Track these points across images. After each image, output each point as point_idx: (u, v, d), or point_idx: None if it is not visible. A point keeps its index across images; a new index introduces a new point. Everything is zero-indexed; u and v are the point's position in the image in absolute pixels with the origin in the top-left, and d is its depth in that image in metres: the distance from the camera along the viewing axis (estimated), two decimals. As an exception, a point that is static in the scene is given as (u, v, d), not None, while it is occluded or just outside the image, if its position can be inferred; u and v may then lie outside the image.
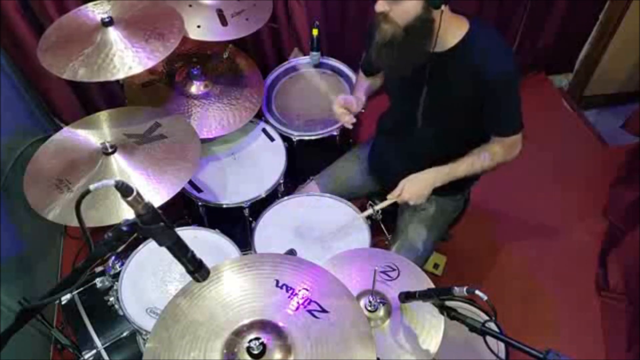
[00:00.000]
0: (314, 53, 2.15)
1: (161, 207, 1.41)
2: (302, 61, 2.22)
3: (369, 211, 1.65)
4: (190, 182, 1.84)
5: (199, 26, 1.82)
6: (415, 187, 1.58)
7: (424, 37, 1.37)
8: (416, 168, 1.61)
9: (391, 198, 1.62)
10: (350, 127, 1.70)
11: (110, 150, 1.53)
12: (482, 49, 1.40)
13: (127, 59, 1.56)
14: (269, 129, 2.03)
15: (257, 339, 1.00)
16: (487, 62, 1.39)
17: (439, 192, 1.66)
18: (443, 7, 1.30)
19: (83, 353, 1.57)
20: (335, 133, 1.99)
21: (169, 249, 0.90)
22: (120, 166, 1.52)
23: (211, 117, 1.90)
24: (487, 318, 1.22)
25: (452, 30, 1.41)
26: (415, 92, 1.52)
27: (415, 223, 1.74)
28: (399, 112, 1.69)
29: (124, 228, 0.88)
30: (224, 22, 1.85)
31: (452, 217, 1.85)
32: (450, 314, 1.10)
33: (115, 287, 1.61)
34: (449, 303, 1.12)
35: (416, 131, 1.62)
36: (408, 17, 1.33)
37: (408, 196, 1.58)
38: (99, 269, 1.68)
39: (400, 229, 1.77)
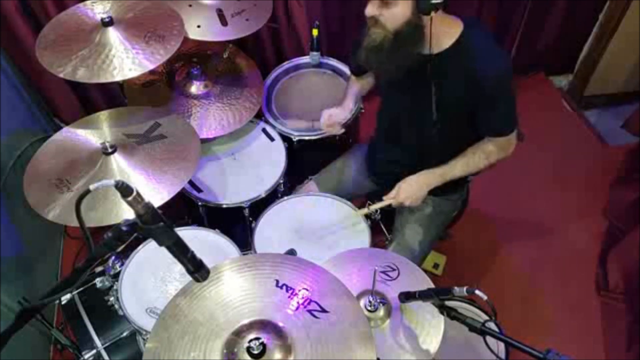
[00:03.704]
0: (314, 53, 2.15)
1: (161, 207, 1.41)
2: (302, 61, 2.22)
3: (366, 209, 1.66)
4: (190, 182, 1.84)
5: (199, 26, 1.82)
6: (410, 188, 1.60)
7: (413, 42, 1.39)
8: (414, 168, 1.62)
9: (387, 199, 1.63)
10: (340, 132, 1.82)
11: (110, 150, 1.53)
12: (475, 50, 1.41)
13: (127, 60, 1.56)
14: (269, 129, 2.03)
15: (257, 339, 1.00)
16: (479, 63, 1.39)
17: (435, 192, 1.66)
18: (433, 13, 1.30)
19: (83, 353, 1.57)
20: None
21: (169, 249, 0.90)
22: (120, 166, 1.52)
23: (211, 117, 1.90)
24: (487, 318, 1.22)
25: (446, 31, 1.41)
26: (414, 94, 1.52)
27: (411, 223, 1.74)
28: (396, 113, 1.69)
29: (124, 228, 0.88)
30: (224, 22, 1.85)
31: (450, 217, 1.85)
32: (450, 314, 1.10)
33: (115, 287, 1.61)
34: (449, 303, 1.12)
35: (414, 132, 1.62)
36: (397, 22, 1.35)
37: (404, 197, 1.59)
38: (99, 269, 1.68)
39: (397, 228, 1.77)
